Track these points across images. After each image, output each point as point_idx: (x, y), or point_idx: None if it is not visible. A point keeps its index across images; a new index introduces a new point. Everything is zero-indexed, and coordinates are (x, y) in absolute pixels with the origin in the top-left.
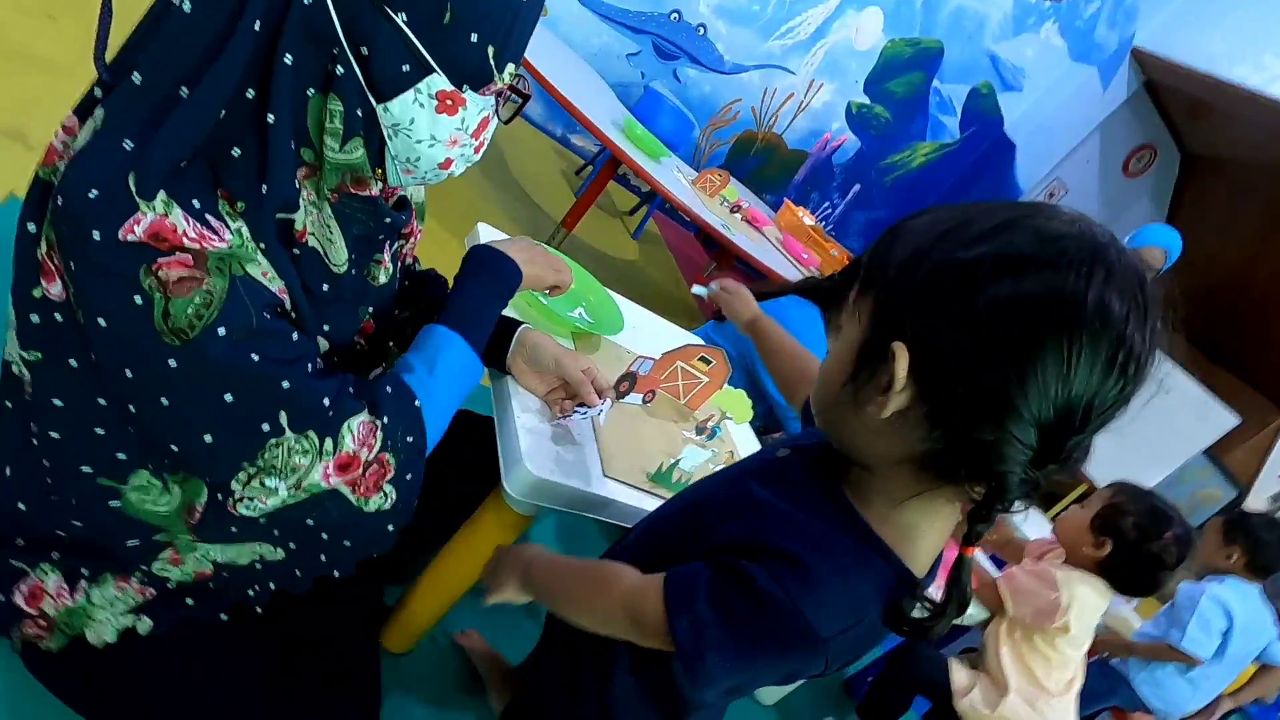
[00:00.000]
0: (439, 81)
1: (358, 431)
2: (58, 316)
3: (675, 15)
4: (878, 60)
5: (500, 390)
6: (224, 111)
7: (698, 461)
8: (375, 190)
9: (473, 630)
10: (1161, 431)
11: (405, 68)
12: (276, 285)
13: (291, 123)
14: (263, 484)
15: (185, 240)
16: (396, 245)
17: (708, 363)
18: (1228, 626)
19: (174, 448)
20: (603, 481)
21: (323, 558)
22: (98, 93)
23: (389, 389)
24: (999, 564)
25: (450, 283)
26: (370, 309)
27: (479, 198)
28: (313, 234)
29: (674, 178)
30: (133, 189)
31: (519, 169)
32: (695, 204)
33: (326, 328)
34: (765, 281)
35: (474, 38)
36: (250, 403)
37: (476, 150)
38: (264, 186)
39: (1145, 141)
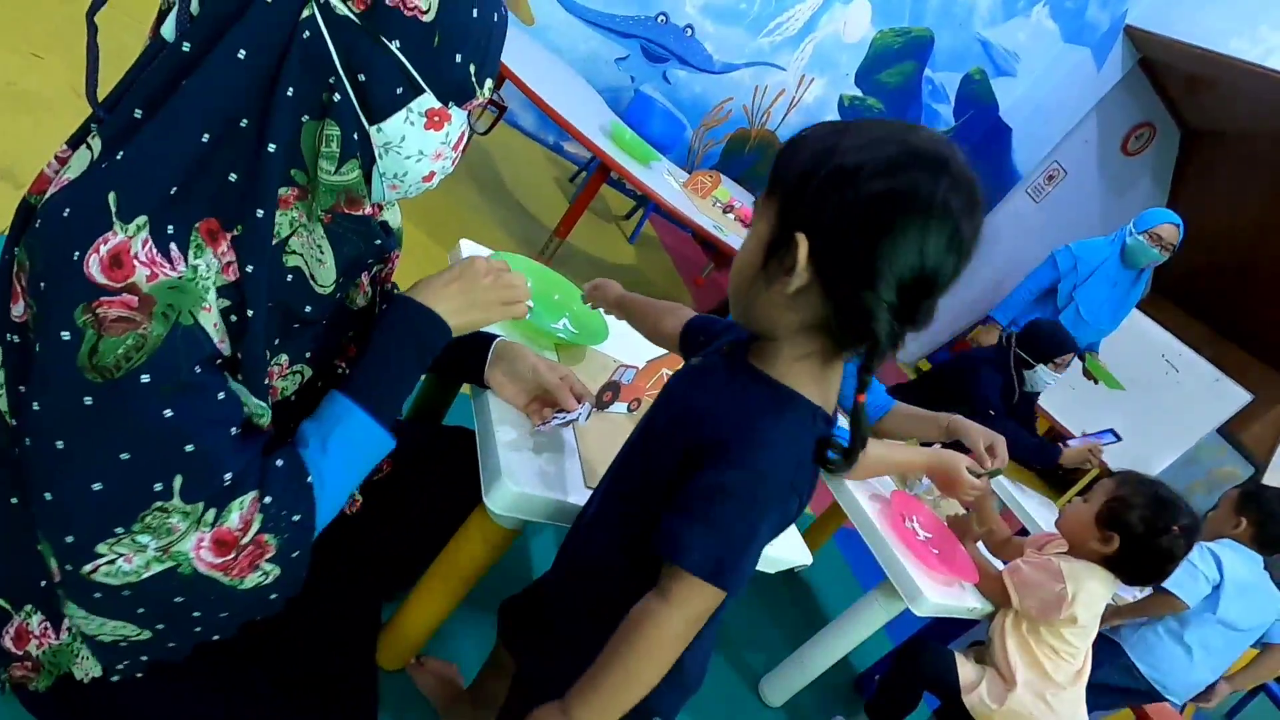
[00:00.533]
0: (429, 101)
1: (244, 509)
2: (15, 339)
3: (662, 17)
4: (868, 52)
5: (481, 405)
6: (217, 138)
7: None
8: (368, 209)
9: (427, 658)
10: (1173, 411)
11: (399, 90)
12: (219, 336)
13: (286, 150)
14: (133, 540)
15: (136, 265)
16: (376, 269)
17: None
18: (1218, 580)
19: (46, 496)
20: (585, 493)
21: (198, 629)
22: (93, 126)
23: (280, 463)
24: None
25: None
26: (352, 333)
27: (471, 210)
28: (300, 254)
29: (664, 181)
30: (112, 209)
31: (512, 179)
32: (686, 207)
33: (308, 354)
34: None
35: (459, 57)
36: (148, 461)
37: (453, 162)
38: (259, 211)
39: (1143, 119)
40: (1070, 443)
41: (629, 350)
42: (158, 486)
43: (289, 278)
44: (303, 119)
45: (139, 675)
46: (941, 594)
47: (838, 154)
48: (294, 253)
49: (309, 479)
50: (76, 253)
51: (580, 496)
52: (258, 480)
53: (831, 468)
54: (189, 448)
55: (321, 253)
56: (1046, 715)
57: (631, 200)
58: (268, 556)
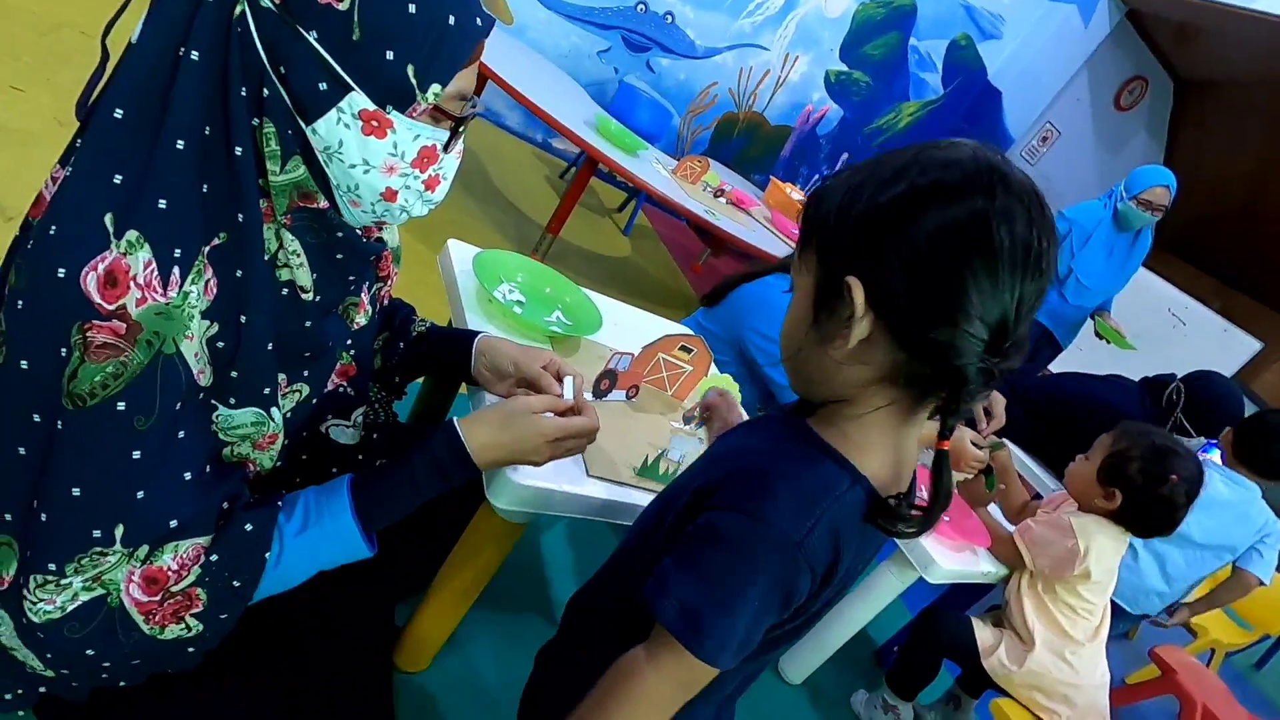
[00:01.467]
0: (359, 100)
1: (181, 553)
2: None
3: (641, 7)
4: (850, 26)
5: (477, 402)
6: (190, 148)
7: (686, 450)
8: (322, 204)
9: None
10: (1184, 365)
11: (322, 86)
12: (199, 366)
13: (254, 155)
14: (58, 585)
15: (132, 285)
16: (375, 287)
17: (689, 351)
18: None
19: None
20: (587, 482)
21: (104, 676)
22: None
23: (249, 529)
24: None
25: (414, 309)
26: (353, 351)
27: (461, 212)
28: (288, 266)
29: (653, 170)
30: (109, 228)
31: (502, 179)
32: (676, 193)
33: (306, 372)
34: (753, 261)
35: (390, 55)
36: (96, 503)
37: (429, 187)
38: (240, 215)
39: (1135, 73)
40: None
41: (624, 338)
42: (97, 533)
43: (284, 291)
44: (253, 121)
45: (121, 685)
46: (955, 560)
47: (872, 189)
48: (284, 265)
49: (267, 554)
50: (67, 270)
51: (582, 486)
52: (210, 529)
53: (903, 533)
54: (140, 494)
55: (297, 256)
56: (1067, 673)
57: (623, 193)
58: (194, 611)
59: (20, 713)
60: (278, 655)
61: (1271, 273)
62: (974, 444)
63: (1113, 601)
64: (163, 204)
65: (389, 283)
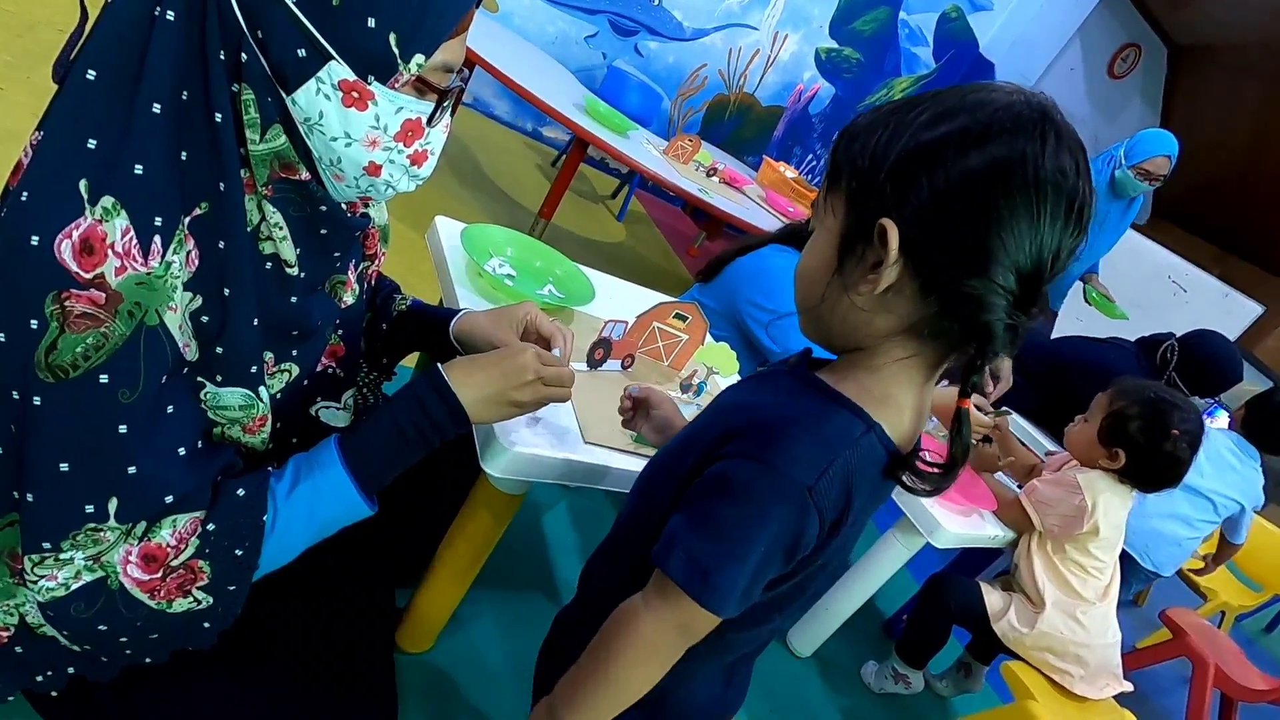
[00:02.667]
0: (339, 70)
1: (179, 528)
2: None
3: None
4: (839, 2)
5: None
6: (166, 113)
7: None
8: (304, 176)
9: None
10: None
11: (301, 53)
12: (184, 338)
13: (234, 121)
14: (57, 559)
15: (110, 254)
16: (362, 266)
17: (684, 319)
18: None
19: None
20: (583, 449)
21: (128, 653)
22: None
23: (241, 493)
24: None
25: (399, 287)
26: (341, 331)
27: (453, 199)
28: (271, 239)
29: (644, 150)
30: (84, 195)
31: (492, 168)
32: (668, 172)
33: (295, 352)
34: (746, 235)
35: (371, 23)
36: (87, 478)
37: (415, 162)
38: (221, 185)
39: (1128, 40)
40: None
41: (617, 308)
42: (90, 508)
43: (268, 265)
44: (233, 87)
45: (93, 679)
46: (960, 524)
47: (915, 129)
48: (267, 238)
49: (264, 517)
50: (40, 237)
51: (578, 452)
52: (206, 503)
53: (921, 489)
54: (131, 470)
55: (280, 229)
56: (1078, 633)
57: (616, 179)
58: (200, 584)
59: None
60: (280, 640)
61: (1271, 237)
62: (978, 408)
63: (1129, 558)
64: (139, 170)
65: (376, 261)
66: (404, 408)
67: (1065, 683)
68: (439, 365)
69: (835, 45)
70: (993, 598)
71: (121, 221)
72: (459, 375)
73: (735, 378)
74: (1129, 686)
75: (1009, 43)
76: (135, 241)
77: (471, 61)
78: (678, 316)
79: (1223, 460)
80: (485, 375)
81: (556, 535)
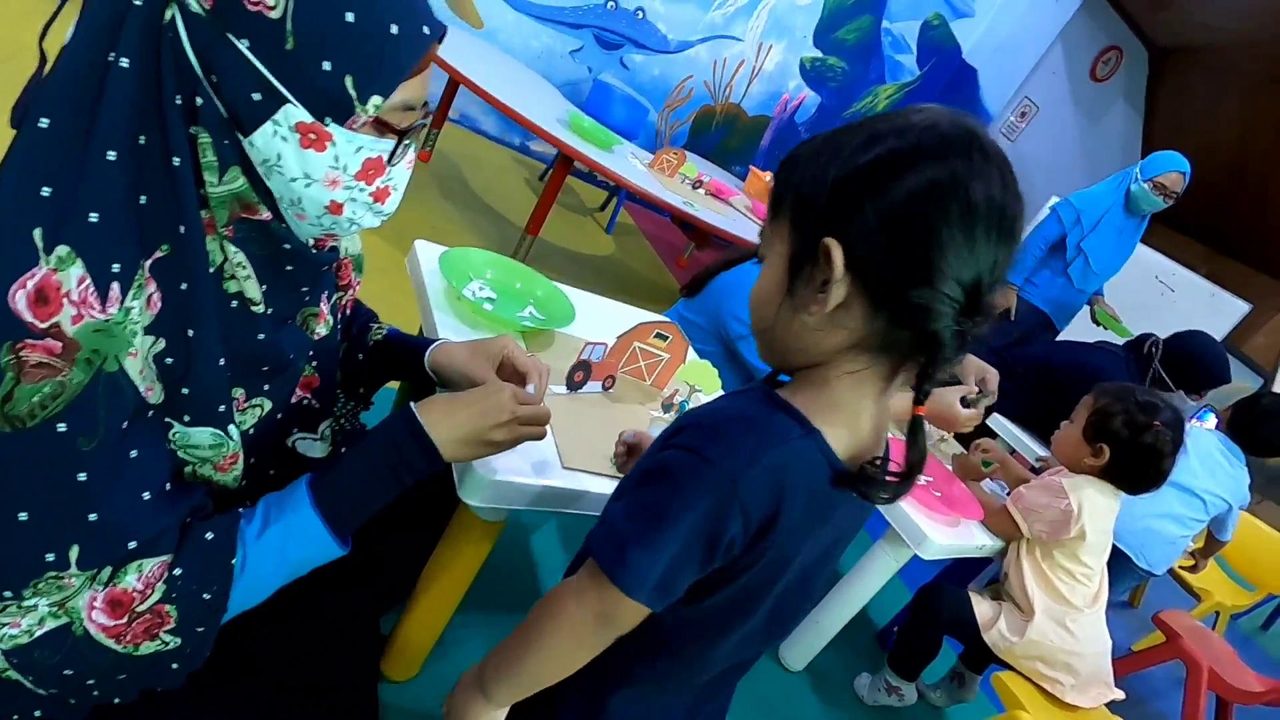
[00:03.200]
0: (296, 113)
1: (146, 572)
2: None
3: (611, 4)
4: (822, 11)
5: None
6: (122, 159)
7: None
8: (265, 215)
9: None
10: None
11: (256, 96)
12: (145, 383)
13: (192, 165)
14: (19, 607)
15: (65, 303)
16: (335, 297)
17: (664, 338)
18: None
19: None
20: (562, 475)
21: (96, 694)
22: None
23: (210, 537)
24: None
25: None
26: (315, 363)
27: (440, 217)
28: (235, 278)
29: (629, 164)
30: (38, 242)
31: (480, 184)
32: (654, 186)
33: (266, 386)
34: (730, 249)
35: (327, 66)
36: (47, 526)
37: (378, 199)
38: (181, 227)
39: (1109, 43)
40: None
41: (599, 327)
42: (50, 557)
43: (233, 304)
44: (190, 130)
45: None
46: (948, 535)
47: (850, 153)
48: (231, 278)
49: (233, 560)
50: (7, 287)
51: (558, 478)
52: (173, 547)
53: (877, 497)
54: (93, 517)
55: (243, 268)
56: (1068, 641)
57: (604, 192)
58: (167, 628)
59: None
60: (261, 670)
61: (1256, 235)
62: (965, 402)
63: (1122, 557)
64: (94, 218)
65: (351, 291)
66: (377, 448)
67: (1056, 692)
68: (413, 404)
69: (820, 54)
70: (982, 607)
71: (77, 270)
72: (434, 415)
73: (719, 394)
74: (1120, 694)
75: (992, 48)
76: (92, 289)
77: (456, 81)
78: (659, 336)
79: (1213, 460)
80: (460, 416)
81: (544, 554)
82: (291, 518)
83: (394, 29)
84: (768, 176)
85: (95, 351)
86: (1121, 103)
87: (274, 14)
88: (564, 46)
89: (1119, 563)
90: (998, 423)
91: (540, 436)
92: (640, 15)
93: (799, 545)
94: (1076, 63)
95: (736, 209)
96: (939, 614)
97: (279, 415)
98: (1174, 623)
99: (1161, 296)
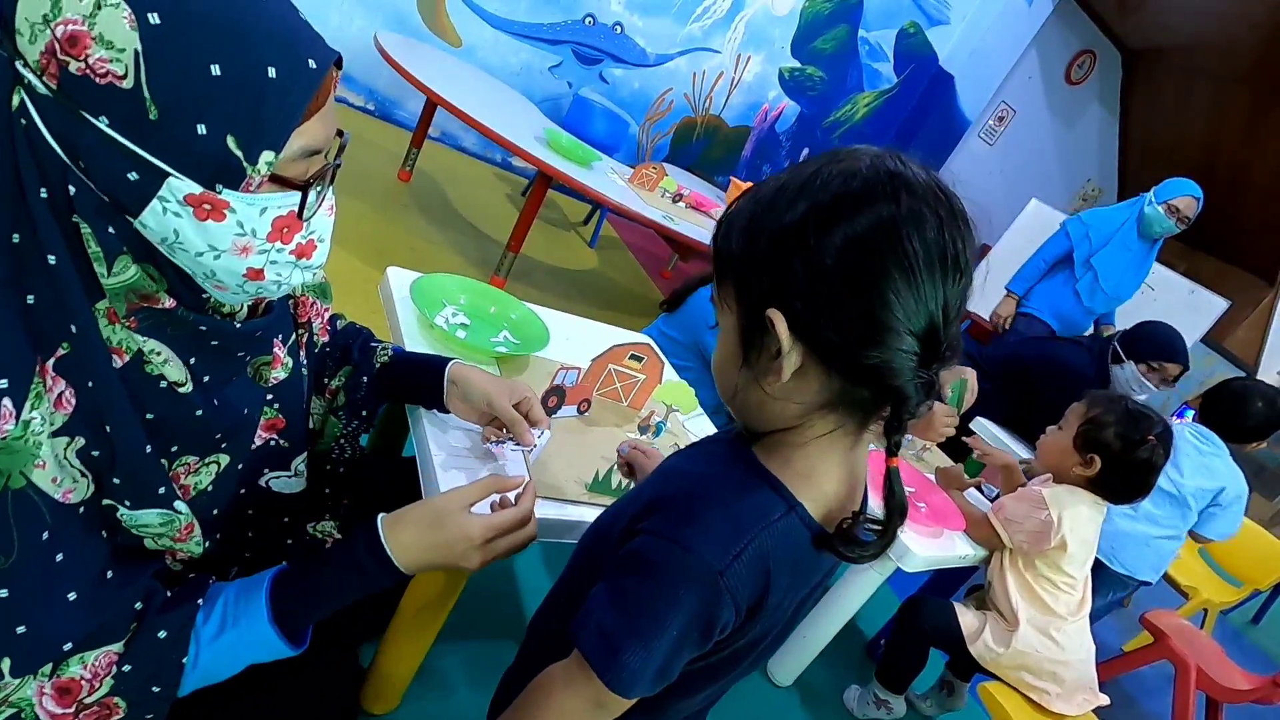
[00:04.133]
0: (181, 185)
1: (92, 662)
2: None
3: (589, 19)
4: (799, 22)
5: (418, 431)
6: (2, 262)
7: None
8: (168, 304)
9: None
10: None
11: (132, 176)
12: (62, 490)
13: (71, 256)
14: None
15: None
16: (297, 335)
17: (639, 359)
18: None
19: None
20: (540, 504)
21: None
22: None
23: (163, 635)
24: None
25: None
26: (277, 405)
27: (418, 237)
28: (153, 363)
29: (608, 180)
30: None
31: (461, 201)
32: (634, 202)
33: (223, 444)
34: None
35: (201, 129)
36: None
37: (300, 255)
38: (73, 327)
39: (1082, 48)
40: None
41: (574, 351)
42: None
43: (162, 384)
44: (73, 219)
45: None
46: (930, 546)
47: (775, 211)
48: (149, 361)
49: (184, 659)
50: None
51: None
52: (119, 637)
53: (861, 556)
54: (20, 629)
55: (158, 354)
56: (1053, 650)
57: (587, 206)
58: (117, 717)
59: None
60: (239, 705)
61: (1232, 231)
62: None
63: (1100, 565)
64: None
65: (317, 323)
66: (341, 570)
67: (1043, 701)
68: (381, 525)
69: (798, 64)
70: (967, 618)
71: None
72: (402, 540)
73: (697, 413)
74: (1105, 700)
75: (967, 54)
76: None
77: (433, 104)
78: (633, 358)
79: (1182, 453)
80: (428, 550)
81: (526, 577)
82: (247, 627)
83: (271, 72)
84: (747, 186)
85: None
86: (1097, 105)
87: (126, 84)
88: (543, 62)
89: (1105, 575)
90: (980, 426)
91: (520, 546)
92: (619, 30)
93: (788, 609)
94: (1051, 67)
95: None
96: (924, 625)
97: (239, 465)
98: (1161, 623)
99: (1142, 295)
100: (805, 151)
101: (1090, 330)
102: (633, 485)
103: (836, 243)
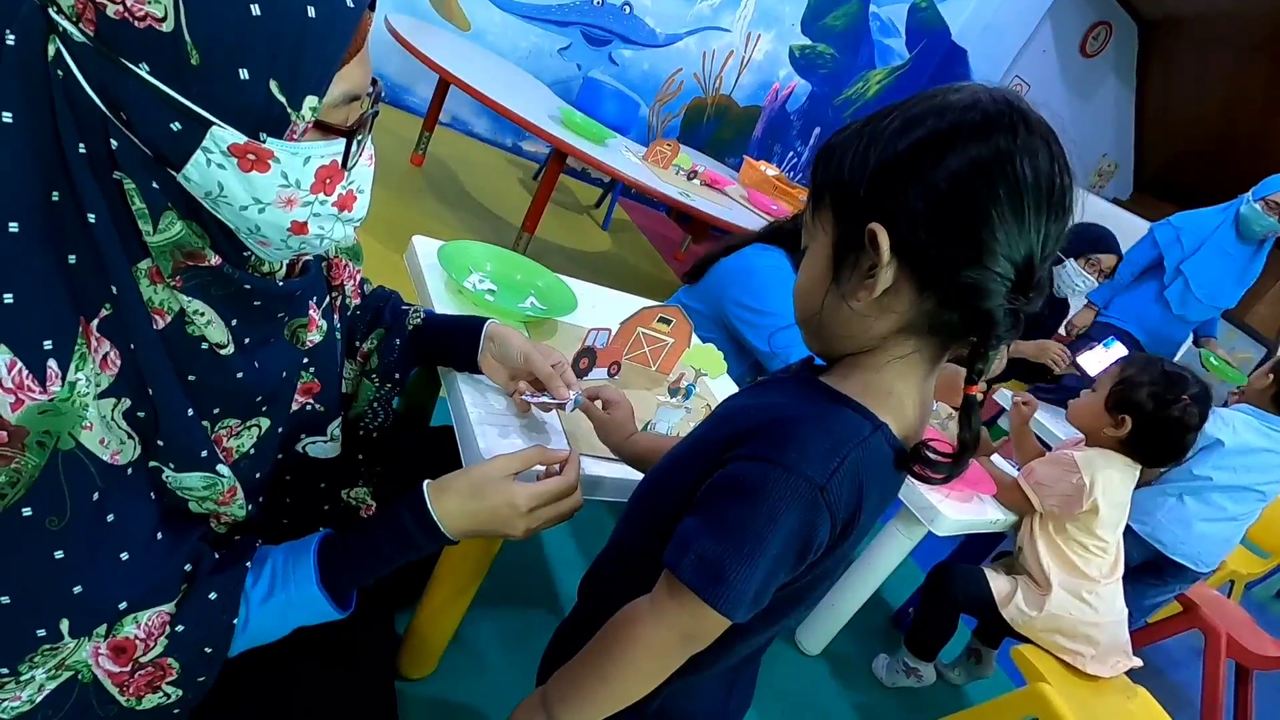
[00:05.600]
0: (225, 135)
1: (145, 622)
2: None
3: (598, 0)
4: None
5: (454, 393)
6: (33, 223)
7: (674, 421)
8: (214, 261)
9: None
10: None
11: (175, 126)
12: (110, 450)
13: (111, 215)
14: (17, 681)
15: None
16: (331, 297)
17: (668, 323)
18: (1218, 439)
19: None
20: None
21: None
22: None
23: (213, 597)
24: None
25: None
26: (313, 369)
27: (433, 219)
28: (195, 323)
29: (623, 157)
30: None
31: (474, 186)
32: (649, 178)
33: (264, 407)
34: (729, 236)
35: (244, 74)
36: (32, 605)
37: (343, 207)
38: (114, 288)
39: (1098, 19)
40: (1079, 360)
41: (601, 316)
42: (41, 632)
43: (203, 346)
44: (114, 175)
45: None
46: (961, 510)
47: (889, 138)
48: (192, 323)
49: (234, 620)
50: None
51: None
52: (170, 597)
53: (933, 478)
54: (77, 589)
55: (201, 314)
56: (1087, 612)
57: (599, 188)
58: (169, 679)
59: None
60: (273, 677)
61: None
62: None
63: (1176, 562)
64: (9, 299)
65: (349, 285)
66: (389, 537)
67: (1077, 663)
68: (426, 491)
69: (808, 42)
70: (998, 582)
71: (4, 356)
72: (447, 507)
73: (724, 378)
74: (1139, 662)
75: (980, 28)
76: (26, 372)
77: (446, 81)
78: (661, 320)
79: (1253, 447)
80: (473, 517)
81: (556, 545)
82: (296, 591)
83: (311, 11)
84: (763, 165)
85: (46, 433)
86: (1112, 77)
87: (165, 26)
88: (552, 45)
89: (1173, 569)
90: (1001, 396)
91: (564, 517)
92: (627, 10)
93: (866, 531)
94: (1066, 39)
95: (732, 198)
96: (954, 592)
97: (280, 429)
98: (1190, 592)
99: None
100: (817, 131)
101: (1188, 341)
102: (679, 424)
103: (953, 168)
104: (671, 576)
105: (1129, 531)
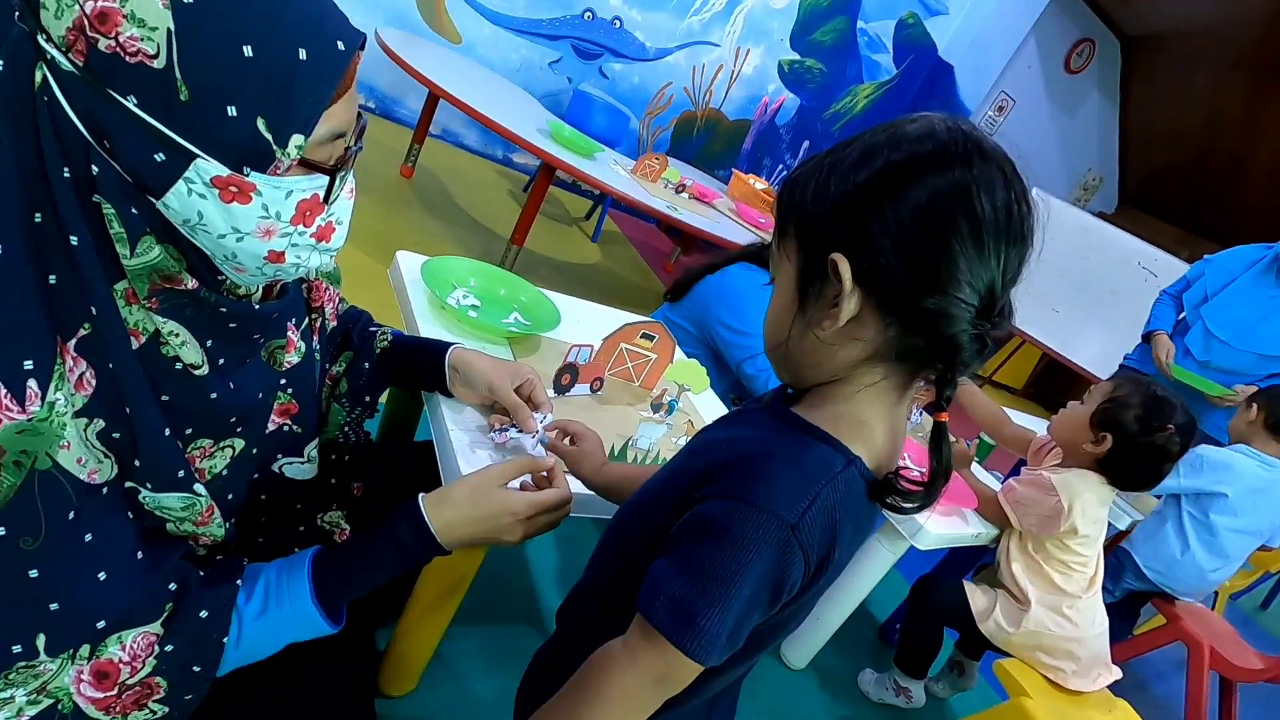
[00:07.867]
0: (209, 167)
1: (130, 643)
2: None
3: (588, 14)
4: (798, 14)
5: (434, 411)
6: (17, 245)
7: (655, 437)
8: (190, 285)
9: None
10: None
11: (159, 157)
12: (87, 470)
13: (97, 240)
14: None
15: None
16: (310, 319)
17: (651, 339)
18: (1222, 479)
19: None
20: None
21: None
22: None
23: (203, 614)
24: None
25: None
26: (290, 389)
27: (422, 232)
28: (169, 344)
29: (611, 171)
30: None
31: (463, 197)
32: (637, 192)
33: (239, 429)
34: (714, 253)
35: (231, 111)
36: (8, 623)
37: (320, 238)
38: (93, 308)
39: (1082, 36)
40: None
41: (585, 331)
42: (17, 649)
43: (178, 366)
44: (93, 199)
45: None
46: (943, 524)
47: (847, 169)
48: (166, 343)
49: (224, 639)
50: None
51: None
52: (156, 615)
53: (903, 508)
54: (54, 606)
55: (176, 336)
56: (1067, 628)
57: (589, 200)
58: (156, 698)
59: None
60: (252, 694)
61: (1232, 213)
62: None
63: (1165, 591)
64: None
65: (331, 306)
66: (386, 550)
67: (1059, 679)
68: (422, 503)
69: (797, 57)
70: (977, 597)
71: None
72: (445, 518)
73: (708, 393)
74: (1119, 674)
75: (966, 44)
76: (4, 392)
77: (436, 96)
78: (645, 336)
79: (1257, 492)
80: (471, 525)
81: (540, 561)
82: (290, 605)
83: (302, 54)
84: (751, 179)
85: (23, 453)
86: (1096, 93)
87: (157, 63)
88: (543, 58)
89: (1163, 596)
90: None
91: (557, 523)
92: (618, 24)
93: (842, 566)
94: (1051, 56)
95: (720, 211)
96: (936, 605)
97: (254, 450)
98: (1173, 605)
99: (1145, 282)
100: (806, 144)
101: (1235, 391)
102: (661, 439)
103: (911, 201)
104: (641, 620)
105: (1134, 569)
